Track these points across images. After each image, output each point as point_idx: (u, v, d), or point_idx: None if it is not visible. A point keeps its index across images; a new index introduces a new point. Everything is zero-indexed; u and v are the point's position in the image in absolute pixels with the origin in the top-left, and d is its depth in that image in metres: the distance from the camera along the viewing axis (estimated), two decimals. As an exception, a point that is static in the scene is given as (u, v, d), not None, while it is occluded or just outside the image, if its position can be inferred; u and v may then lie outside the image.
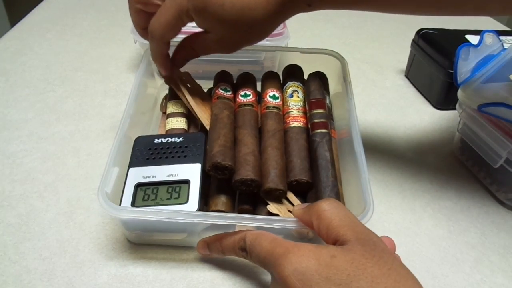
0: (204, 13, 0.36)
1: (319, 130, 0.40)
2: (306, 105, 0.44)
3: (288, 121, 0.43)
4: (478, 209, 0.44)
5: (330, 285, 0.26)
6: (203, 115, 0.44)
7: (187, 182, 0.37)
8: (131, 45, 0.65)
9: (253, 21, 0.36)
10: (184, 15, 0.37)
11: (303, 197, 0.39)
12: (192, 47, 0.41)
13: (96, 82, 0.59)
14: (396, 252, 0.32)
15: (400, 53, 0.66)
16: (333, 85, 0.50)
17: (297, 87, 0.46)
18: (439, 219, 0.43)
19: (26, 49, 0.65)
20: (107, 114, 0.53)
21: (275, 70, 0.50)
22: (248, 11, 0.35)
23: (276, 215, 0.36)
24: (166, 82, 0.46)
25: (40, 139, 0.49)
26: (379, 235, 0.30)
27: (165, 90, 0.48)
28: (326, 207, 0.30)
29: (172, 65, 0.43)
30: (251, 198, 0.39)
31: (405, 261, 0.31)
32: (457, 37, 0.57)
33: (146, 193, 0.37)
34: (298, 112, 0.43)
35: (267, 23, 0.37)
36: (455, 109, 0.47)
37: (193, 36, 0.41)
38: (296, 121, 0.42)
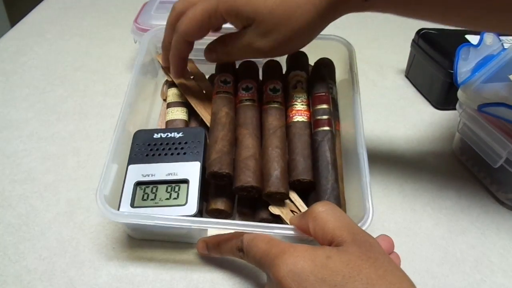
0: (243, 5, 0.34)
1: (321, 128, 0.39)
2: (310, 99, 0.42)
3: (291, 115, 0.41)
4: (478, 209, 0.44)
5: (325, 286, 0.26)
6: (205, 113, 0.43)
7: (186, 181, 0.37)
8: (131, 45, 0.65)
9: (298, 20, 0.34)
10: (213, 14, 0.35)
11: (306, 197, 0.38)
12: (226, 46, 0.38)
13: (96, 82, 0.59)
14: (396, 251, 0.32)
15: (400, 53, 0.66)
16: (339, 73, 0.48)
17: (301, 77, 0.43)
18: (439, 219, 0.43)
19: (26, 49, 0.65)
20: (107, 114, 0.53)
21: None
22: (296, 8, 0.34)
23: (278, 216, 0.36)
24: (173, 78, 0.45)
25: (40, 139, 0.49)
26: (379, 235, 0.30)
27: (165, 76, 0.47)
28: (321, 208, 0.30)
29: (184, 69, 0.41)
30: (251, 200, 0.38)
31: (405, 261, 0.31)
32: (457, 37, 0.56)
33: (145, 192, 0.37)
34: (302, 105, 0.41)
35: (316, 21, 0.35)
36: (455, 109, 0.47)
37: (227, 36, 0.38)
38: (299, 115, 0.41)
